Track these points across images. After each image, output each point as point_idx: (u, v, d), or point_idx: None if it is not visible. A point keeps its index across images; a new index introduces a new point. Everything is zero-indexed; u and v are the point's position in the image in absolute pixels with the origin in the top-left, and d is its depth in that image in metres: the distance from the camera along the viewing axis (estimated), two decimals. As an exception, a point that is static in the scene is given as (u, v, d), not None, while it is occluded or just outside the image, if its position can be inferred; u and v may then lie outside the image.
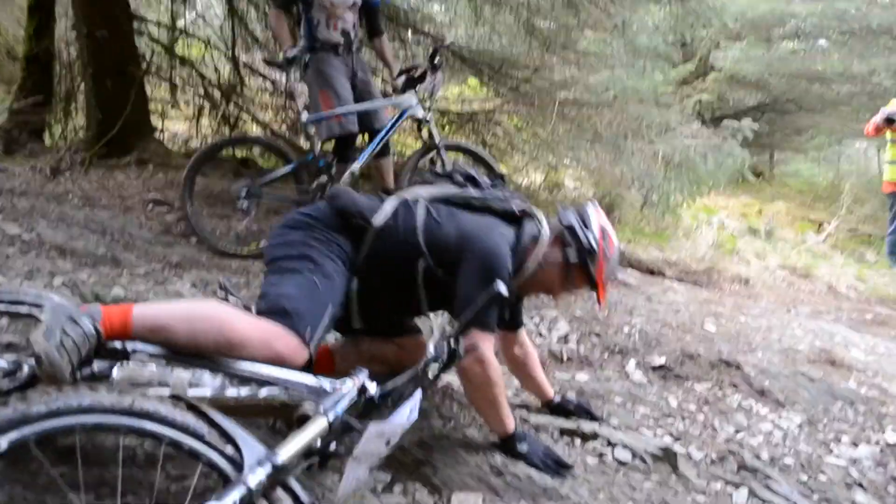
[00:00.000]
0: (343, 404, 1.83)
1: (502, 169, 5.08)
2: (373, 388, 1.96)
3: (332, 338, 2.76)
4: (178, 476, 1.97)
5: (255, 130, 7.71)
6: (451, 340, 2.00)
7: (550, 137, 7.09)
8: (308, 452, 1.70)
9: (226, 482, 1.54)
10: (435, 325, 2.02)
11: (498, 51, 7.03)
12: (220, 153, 5.95)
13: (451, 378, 3.14)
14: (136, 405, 1.50)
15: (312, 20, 4.94)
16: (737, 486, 2.66)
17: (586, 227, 2.64)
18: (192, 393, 1.81)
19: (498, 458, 2.36)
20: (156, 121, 7.35)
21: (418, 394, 1.98)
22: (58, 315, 1.79)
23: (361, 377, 1.96)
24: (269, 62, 5.28)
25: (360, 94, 5.03)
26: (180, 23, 8.17)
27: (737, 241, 8.67)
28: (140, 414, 1.51)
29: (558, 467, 2.49)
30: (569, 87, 6.85)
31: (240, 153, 7.09)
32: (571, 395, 3.10)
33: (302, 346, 2.11)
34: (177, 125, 8.15)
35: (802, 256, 8.50)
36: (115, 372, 1.82)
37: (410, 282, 2.51)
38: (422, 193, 2.66)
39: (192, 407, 1.60)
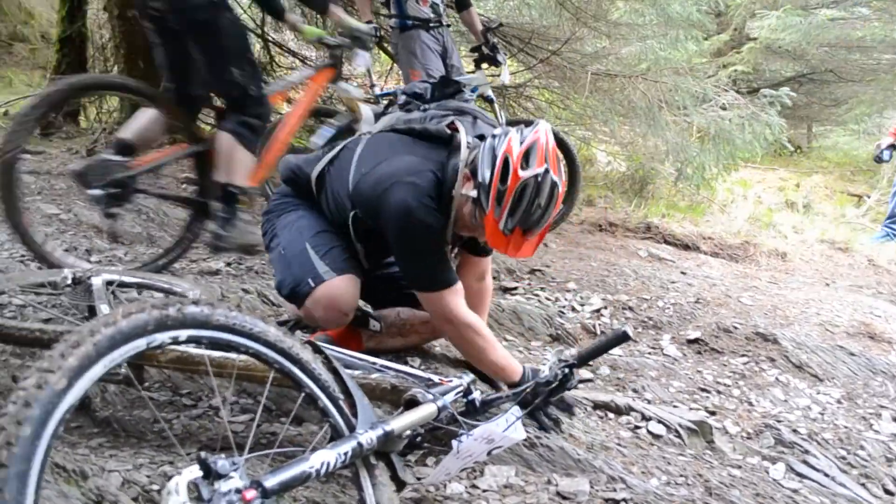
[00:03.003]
0: (450, 397, 1.93)
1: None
2: (477, 394, 2.04)
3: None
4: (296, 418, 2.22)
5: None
6: (567, 368, 2.03)
7: (583, 111, 7.01)
8: (411, 442, 1.79)
9: (334, 436, 1.64)
10: (552, 351, 2.11)
11: (528, 23, 6.95)
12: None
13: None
14: (293, 349, 1.58)
15: None
16: (773, 460, 2.63)
17: (494, 153, 2.24)
18: None
19: (531, 430, 2.36)
20: (189, 100, 7.39)
21: (518, 410, 2.01)
22: None
23: (467, 380, 2.04)
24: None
25: (450, 70, 5.01)
26: (210, 2, 8.18)
27: (773, 216, 8.52)
28: (294, 359, 1.59)
29: (553, 424, 2.43)
30: (601, 59, 6.74)
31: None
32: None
33: (327, 294, 2.41)
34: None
35: (841, 230, 8.33)
36: None
37: (346, 230, 2.55)
38: (377, 127, 2.70)
39: (328, 360, 1.70)
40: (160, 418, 2.20)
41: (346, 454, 1.54)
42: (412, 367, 2.45)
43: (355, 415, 1.65)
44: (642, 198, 7.26)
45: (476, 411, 2.03)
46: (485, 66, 5.01)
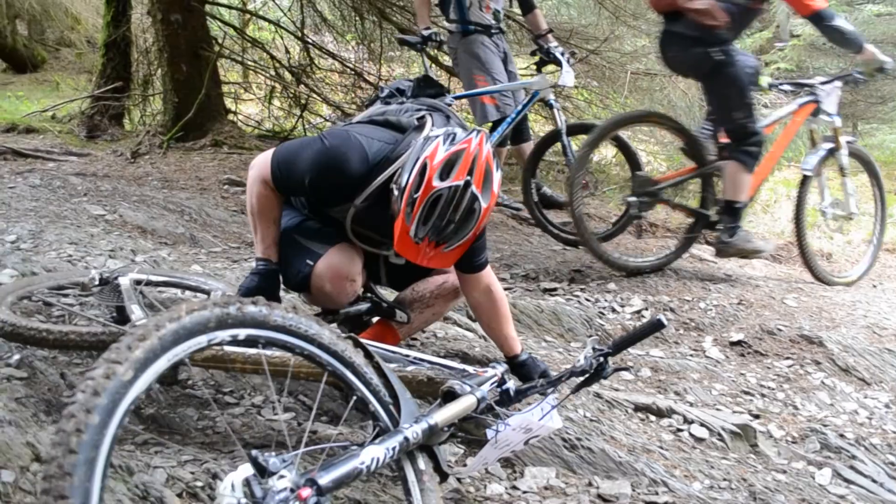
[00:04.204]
0: (487, 388, 1.93)
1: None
2: (511, 383, 2.03)
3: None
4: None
5: (324, 111, 7.80)
6: (602, 357, 2.01)
7: (622, 110, 6.96)
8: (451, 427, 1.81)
9: (380, 432, 1.65)
10: (587, 340, 2.10)
11: (566, 22, 6.92)
12: None
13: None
14: (346, 353, 1.61)
15: (464, 2, 4.91)
16: (819, 465, 2.58)
17: (418, 157, 2.13)
18: None
19: (572, 432, 2.34)
20: (229, 103, 7.51)
21: (553, 399, 1.99)
22: None
23: (501, 369, 2.03)
24: (402, 41, 5.30)
25: (509, 75, 5.02)
26: (251, 5, 8.30)
27: (818, 216, 8.34)
28: (346, 362, 1.61)
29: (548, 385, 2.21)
30: (640, 58, 6.69)
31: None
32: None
33: (327, 265, 2.40)
34: (249, 107, 8.30)
35: (889, 230, 8.13)
36: None
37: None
38: (355, 119, 2.66)
39: (370, 356, 1.70)
40: (220, 417, 2.23)
41: (393, 449, 1.56)
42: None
43: (399, 410, 1.67)
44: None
45: (511, 400, 2.02)
46: (547, 68, 4.94)
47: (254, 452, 1.28)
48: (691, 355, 3.45)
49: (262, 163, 2.33)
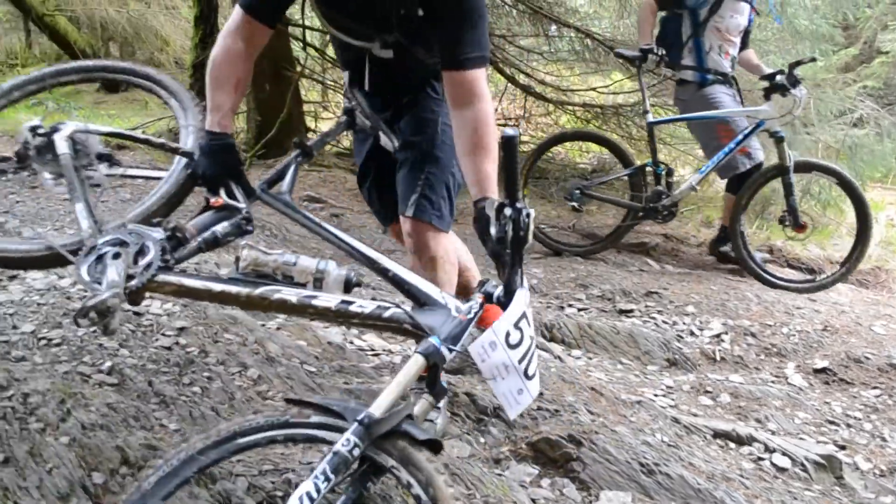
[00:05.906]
0: (455, 332, 1.61)
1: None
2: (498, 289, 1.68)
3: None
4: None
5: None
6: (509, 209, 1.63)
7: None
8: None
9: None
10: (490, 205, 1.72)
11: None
12: (556, 146, 5.93)
13: (600, 375, 3.10)
14: (282, 419, 1.60)
15: (703, 45, 4.68)
16: (911, 501, 2.47)
17: None
18: (317, 302, 1.75)
19: (650, 457, 2.31)
20: (309, 121, 7.69)
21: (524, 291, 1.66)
22: None
23: (479, 299, 1.69)
24: (620, 55, 5.15)
25: None
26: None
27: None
28: (285, 424, 1.59)
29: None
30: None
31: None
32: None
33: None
34: (328, 126, 8.46)
35: None
36: (244, 252, 1.92)
37: None
38: None
39: (297, 402, 1.64)
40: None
41: (330, 471, 1.42)
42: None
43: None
44: (764, 219, 6.98)
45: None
46: (775, 96, 4.54)
47: None
48: (773, 382, 3.36)
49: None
